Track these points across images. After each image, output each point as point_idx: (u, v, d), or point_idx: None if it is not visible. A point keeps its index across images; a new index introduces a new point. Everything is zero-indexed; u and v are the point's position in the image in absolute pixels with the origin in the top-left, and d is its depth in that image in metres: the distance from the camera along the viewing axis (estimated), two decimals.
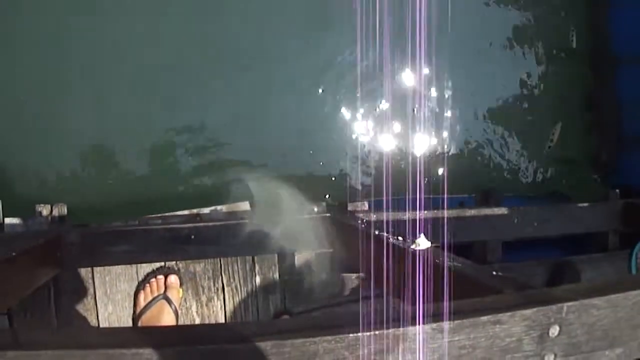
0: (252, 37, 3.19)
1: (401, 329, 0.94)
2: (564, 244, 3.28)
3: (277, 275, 2.57)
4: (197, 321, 2.52)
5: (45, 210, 2.49)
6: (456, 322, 0.97)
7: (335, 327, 0.94)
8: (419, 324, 0.95)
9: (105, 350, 0.89)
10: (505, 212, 2.81)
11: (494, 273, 1.34)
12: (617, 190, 3.22)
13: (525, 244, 3.06)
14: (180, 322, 2.48)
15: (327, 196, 3.10)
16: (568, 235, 3.16)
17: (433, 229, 2.52)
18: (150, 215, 2.66)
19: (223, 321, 2.54)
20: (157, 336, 0.96)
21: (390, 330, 0.93)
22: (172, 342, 0.92)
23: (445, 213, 2.58)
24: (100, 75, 2.95)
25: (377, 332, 0.92)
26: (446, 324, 0.96)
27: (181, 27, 3.09)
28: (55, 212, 2.50)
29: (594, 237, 3.27)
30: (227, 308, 2.54)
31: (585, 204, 3.10)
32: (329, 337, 0.91)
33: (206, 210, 2.71)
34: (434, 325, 0.96)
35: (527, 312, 1.03)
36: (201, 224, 2.45)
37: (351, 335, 0.91)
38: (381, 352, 0.93)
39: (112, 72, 2.96)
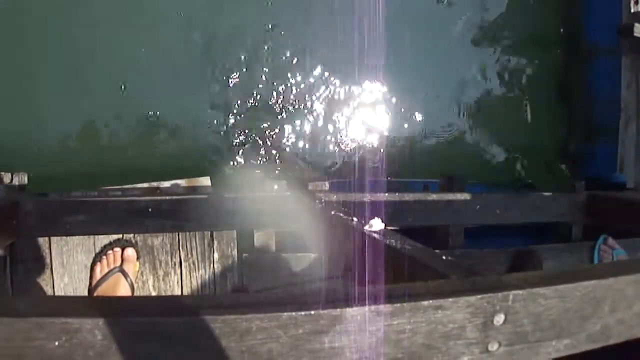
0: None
1: (338, 310, 0.91)
2: (528, 232, 3.28)
3: (235, 252, 2.54)
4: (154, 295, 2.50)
5: (6, 178, 2.45)
6: (396, 305, 0.95)
7: (270, 304, 0.92)
8: (356, 305, 0.93)
9: (36, 319, 0.86)
10: (468, 198, 2.79)
11: (444, 257, 1.32)
12: (584, 182, 3.19)
13: (489, 231, 3.05)
14: None
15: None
16: (532, 225, 3.16)
17: (392, 212, 2.52)
18: (110, 187, 2.62)
19: None
20: (88, 306, 0.93)
21: (326, 311, 0.91)
22: (103, 312, 0.89)
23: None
24: (64, 43, 2.90)
25: (312, 312, 0.90)
26: (385, 307, 0.94)
27: None
28: (16, 181, 2.46)
29: (558, 228, 3.27)
30: (183, 283, 2.51)
31: (549, 194, 3.09)
32: (261, 315, 0.88)
33: (166, 183, 2.68)
34: (372, 307, 0.94)
35: (472, 298, 1.01)
36: (160, 197, 2.41)
37: (285, 314, 0.89)
38: (316, 332, 0.91)
39: (69, 37, 2.92)
